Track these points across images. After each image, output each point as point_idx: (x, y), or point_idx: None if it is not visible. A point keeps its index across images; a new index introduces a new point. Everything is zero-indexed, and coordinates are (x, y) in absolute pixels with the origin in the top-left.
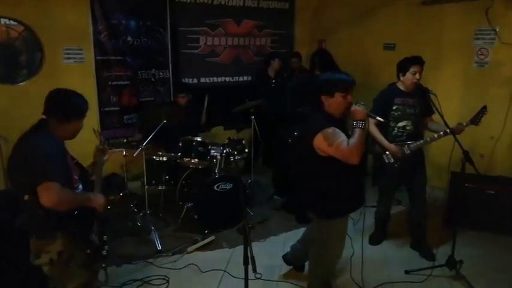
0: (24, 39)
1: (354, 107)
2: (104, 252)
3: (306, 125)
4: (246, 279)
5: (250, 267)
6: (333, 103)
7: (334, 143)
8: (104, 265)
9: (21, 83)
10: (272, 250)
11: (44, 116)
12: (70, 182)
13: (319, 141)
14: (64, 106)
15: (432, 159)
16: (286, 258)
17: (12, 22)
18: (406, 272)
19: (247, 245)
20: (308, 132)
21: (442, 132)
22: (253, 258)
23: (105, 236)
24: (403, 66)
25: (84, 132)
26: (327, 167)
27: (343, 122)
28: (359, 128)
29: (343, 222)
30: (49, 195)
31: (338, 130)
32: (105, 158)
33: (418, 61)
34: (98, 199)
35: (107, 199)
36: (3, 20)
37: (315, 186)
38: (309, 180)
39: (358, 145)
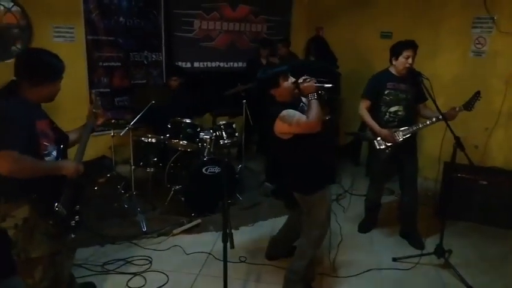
0: (21, 28)
1: (302, 85)
2: (73, 223)
3: (268, 113)
4: (225, 255)
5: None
6: (283, 91)
7: (293, 121)
8: (73, 235)
9: (9, 60)
10: (259, 235)
11: (14, 78)
12: (36, 149)
13: (279, 126)
14: (35, 68)
15: (425, 149)
16: (269, 255)
17: (15, 8)
18: (394, 259)
19: (226, 222)
20: (269, 124)
21: (434, 118)
22: (231, 234)
23: (77, 206)
24: (396, 50)
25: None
26: (294, 148)
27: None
28: (311, 99)
29: (322, 194)
30: (4, 164)
31: (291, 110)
32: (98, 122)
33: (411, 45)
34: (67, 166)
35: (79, 166)
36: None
37: (290, 167)
38: (284, 164)
39: (317, 113)
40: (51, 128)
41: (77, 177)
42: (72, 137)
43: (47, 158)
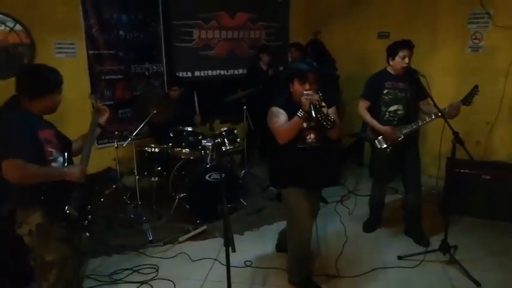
0: (24, 46)
1: (302, 98)
2: (86, 222)
3: (272, 101)
4: (228, 260)
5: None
6: (294, 90)
7: (272, 120)
8: (87, 234)
9: (12, 78)
10: (265, 239)
11: (16, 93)
12: (42, 157)
13: (268, 117)
14: (33, 82)
15: (429, 147)
16: (278, 247)
17: (18, 27)
18: (399, 257)
19: (227, 226)
20: (268, 107)
21: (433, 115)
22: (232, 238)
23: (89, 206)
24: (392, 51)
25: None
26: (277, 147)
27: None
28: (298, 115)
29: (296, 193)
30: (11, 172)
31: (281, 111)
32: (103, 118)
33: (407, 45)
34: (72, 172)
35: (84, 169)
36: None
37: (274, 160)
38: (272, 155)
39: (287, 128)
40: (56, 136)
41: (86, 179)
42: (78, 144)
43: (53, 164)
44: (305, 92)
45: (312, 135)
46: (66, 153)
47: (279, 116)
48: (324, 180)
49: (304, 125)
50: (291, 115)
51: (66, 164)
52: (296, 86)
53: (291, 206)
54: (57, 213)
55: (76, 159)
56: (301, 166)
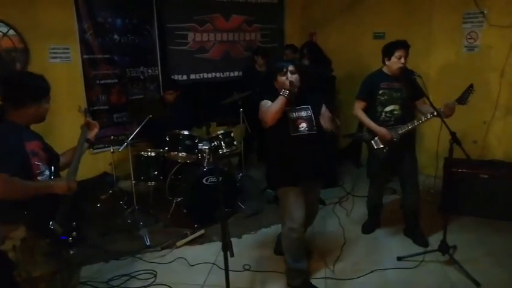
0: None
1: (280, 79)
2: (70, 240)
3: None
4: (226, 265)
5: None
6: (278, 84)
7: (261, 110)
8: (71, 252)
9: None
10: (263, 242)
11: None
12: (28, 170)
13: (259, 112)
14: (16, 90)
15: (425, 147)
16: (276, 250)
17: (11, 32)
18: (398, 258)
19: (225, 231)
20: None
21: (429, 115)
22: (230, 242)
23: (74, 222)
24: (387, 51)
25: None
26: (271, 140)
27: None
28: (281, 95)
29: (288, 192)
30: None
31: (269, 102)
32: (92, 133)
33: (402, 45)
34: (59, 185)
35: (71, 183)
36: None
37: (268, 160)
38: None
39: (273, 108)
40: (43, 148)
41: (73, 194)
42: (65, 158)
43: (40, 178)
44: (280, 78)
45: (304, 124)
46: (53, 167)
47: (266, 104)
48: (317, 172)
49: (295, 114)
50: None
51: (52, 178)
52: (279, 80)
53: (283, 204)
54: (41, 228)
55: (63, 174)
56: (294, 155)
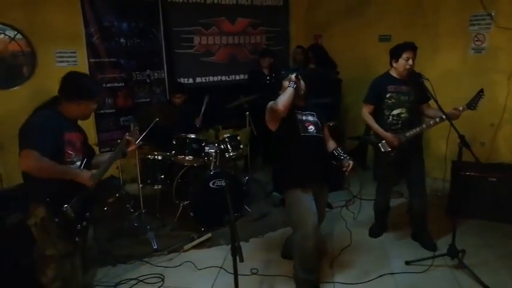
0: (25, 55)
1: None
2: (79, 226)
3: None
4: (235, 269)
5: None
6: (283, 90)
7: (268, 108)
8: (77, 239)
9: (14, 88)
10: (270, 245)
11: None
12: (60, 155)
13: (266, 115)
14: (72, 86)
15: (432, 150)
16: (283, 254)
17: (19, 36)
18: (407, 263)
19: (234, 236)
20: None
21: (437, 119)
22: (239, 247)
23: (87, 213)
24: (395, 53)
25: None
26: (277, 144)
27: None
28: (289, 86)
29: (298, 196)
30: (25, 161)
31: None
32: (129, 149)
33: (410, 47)
34: (83, 175)
35: (93, 177)
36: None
37: (275, 163)
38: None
39: (283, 96)
40: (82, 141)
41: (94, 188)
42: (100, 158)
43: (70, 166)
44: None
45: (312, 127)
46: (85, 160)
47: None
48: (324, 174)
49: (303, 117)
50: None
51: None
52: (284, 86)
53: (293, 210)
54: (55, 209)
55: None
56: (304, 156)
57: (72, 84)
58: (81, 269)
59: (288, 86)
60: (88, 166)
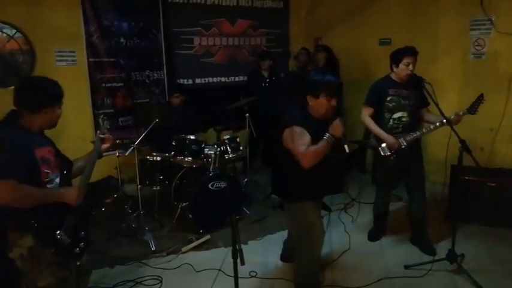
0: (24, 54)
1: (337, 122)
2: (77, 250)
3: (286, 114)
4: (236, 272)
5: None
6: (317, 104)
7: (298, 143)
8: (78, 263)
9: (12, 87)
10: (269, 248)
11: (15, 107)
12: (37, 177)
13: (286, 135)
14: (31, 95)
15: (432, 154)
16: (282, 257)
17: (18, 34)
18: (406, 267)
19: (235, 238)
20: (284, 122)
21: (438, 123)
22: (241, 250)
23: (82, 232)
24: (396, 58)
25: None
26: (290, 156)
27: (323, 123)
28: (326, 139)
29: (310, 208)
30: (2, 194)
31: (305, 131)
32: (104, 146)
33: (411, 52)
34: (69, 194)
35: (80, 192)
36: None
37: (287, 174)
38: (279, 164)
39: (315, 153)
40: (54, 154)
41: (82, 202)
42: (78, 164)
43: (49, 186)
44: (337, 121)
45: None
46: (64, 172)
47: (304, 138)
48: (333, 188)
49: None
50: (309, 131)
51: (63, 186)
52: (322, 101)
53: (304, 219)
54: (48, 237)
55: (75, 182)
56: (321, 174)
57: (30, 93)
58: (78, 284)
59: (325, 138)
60: (68, 180)
